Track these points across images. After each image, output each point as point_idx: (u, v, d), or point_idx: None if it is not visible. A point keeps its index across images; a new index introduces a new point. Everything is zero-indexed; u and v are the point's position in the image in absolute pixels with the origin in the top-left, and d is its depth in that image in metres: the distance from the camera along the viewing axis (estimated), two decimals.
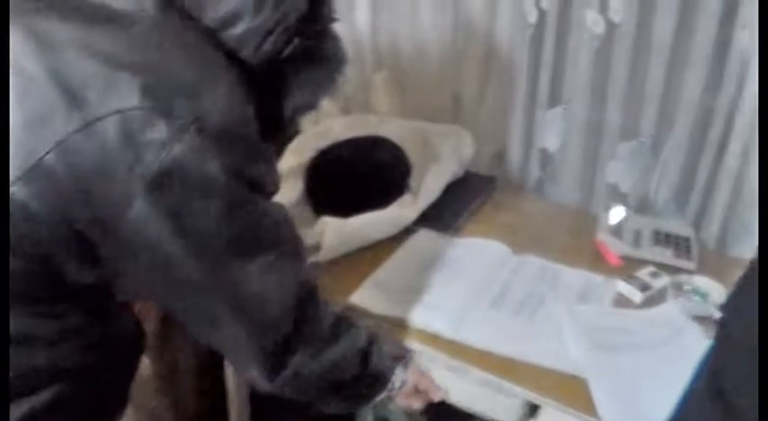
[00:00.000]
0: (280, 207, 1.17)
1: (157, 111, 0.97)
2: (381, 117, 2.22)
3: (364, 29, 2.24)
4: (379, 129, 2.06)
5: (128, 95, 0.97)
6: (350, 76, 2.24)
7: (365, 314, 1.61)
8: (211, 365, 2.00)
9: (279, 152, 1.38)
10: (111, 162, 0.96)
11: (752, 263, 0.97)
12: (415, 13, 2.13)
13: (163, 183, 0.98)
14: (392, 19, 2.19)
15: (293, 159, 1.98)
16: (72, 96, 0.97)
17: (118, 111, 0.96)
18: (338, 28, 2.05)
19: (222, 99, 1.03)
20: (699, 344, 1.46)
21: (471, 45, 2.08)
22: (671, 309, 1.61)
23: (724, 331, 1.03)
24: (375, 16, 2.21)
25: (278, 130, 1.24)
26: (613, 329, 1.57)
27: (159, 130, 0.97)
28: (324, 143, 1.99)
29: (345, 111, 2.35)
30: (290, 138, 2.04)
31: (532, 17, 1.92)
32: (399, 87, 2.26)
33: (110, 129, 0.96)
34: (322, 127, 2.12)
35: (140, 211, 0.99)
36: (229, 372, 1.99)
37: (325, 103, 2.25)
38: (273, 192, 1.16)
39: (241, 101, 1.08)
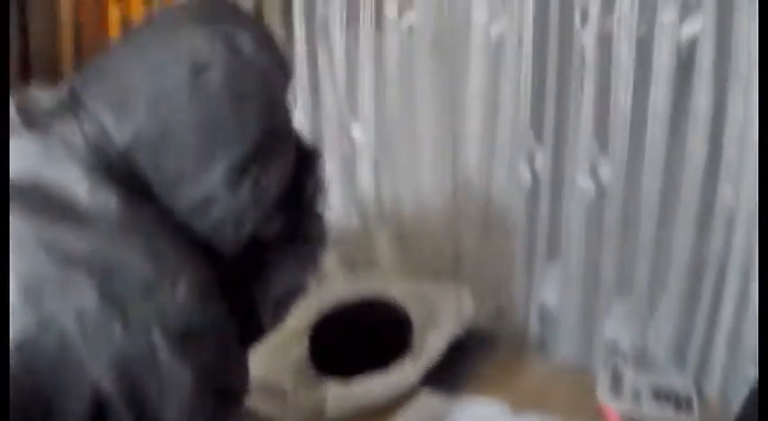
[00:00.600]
0: None
1: (113, 313, 0.95)
2: (384, 275, 2.27)
3: (368, 187, 2.31)
4: (381, 288, 2.10)
5: (83, 296, 0.95)
6: (354, 232, 2.34)
7: None
8: None
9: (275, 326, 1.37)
10: (66, 364, 0.94)
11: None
12: (415, 174, 2.21)
13: (122, 389, 0.95)
14: (394, 179, 2.27)
15: (296, 321, 2.02)
16: (29, 295, 0.95)
17: (73, 312, 0.94)
18: (341, 186, 2.14)
19: (185, 296, 0.99)
20: None
21: (470, 205, 2.14)
22: None
23: None
24: (378, 176, 2.29)
25: (261, 319, 1.21)
26: None
27: (116, 333, 0.94)
28: (327, 304, 2.03)
29: (349, 267, 2.40)
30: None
31: (527, 178, 1.99)
32: (402, 244, 2.31)
33: (66, 328, 0.94)
34: (325, 287, 2.17)
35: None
36: None
37: (331, 260, 2.33)
38: (243, 393, 1.13)
39: (209, 295, 1.04)
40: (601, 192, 1.89)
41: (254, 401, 1.80)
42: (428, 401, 1.86)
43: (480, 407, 1.83)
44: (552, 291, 2.06)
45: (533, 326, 2.12)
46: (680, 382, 1.86)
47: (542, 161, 1.97)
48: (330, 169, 2.31)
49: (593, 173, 1.89)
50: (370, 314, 1.99)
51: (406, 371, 1.87)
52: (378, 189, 2.32)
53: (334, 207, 2.34)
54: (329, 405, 1.76)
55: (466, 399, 1.87)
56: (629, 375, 1.87)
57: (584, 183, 1.90)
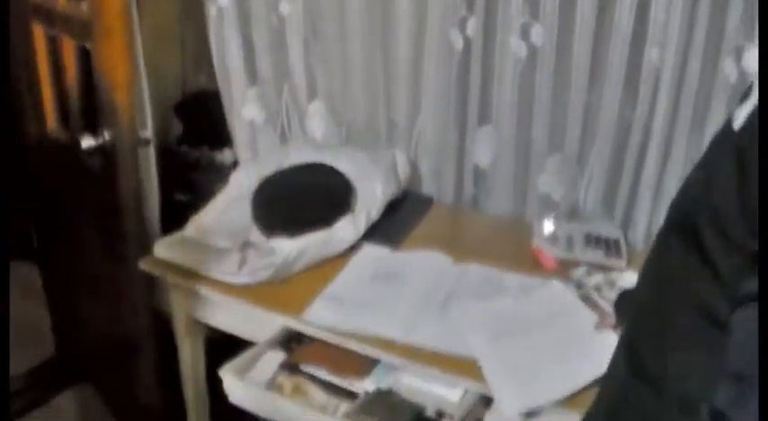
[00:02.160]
0: None
1: None
2: (319, 145, 2.31)
3: (298, 61, 2.34)
4: (318, 156, 2.14)
5: None
6: (285, 105, 2.37)
7: (321, 328, 1.69)
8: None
9: None
10: None
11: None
12: (345, 46, 2.23)
13: None
14: (324, 52, 2.30)
15: (237, 189, 2.07)
16: None
17: None
18: (271, 61, 2.15)
19: None
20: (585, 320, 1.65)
21: (401, 73, 2.19)
22: (557, 291, 1.76)
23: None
24: (307, 50, 2.31)
25: None
26: (505, 318, 1.71)
27: None
28: (267, 172, 2.07)
29: (282, 139, 2.44)
30: None
31: (459, 44, 2.05)
32: (335, 116, 2.35)
33: None
34: (263, 157, 2.20)
35: None
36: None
37: (264, 134, 2.36)
38: None
39: None
40: (532, 54, 1.96)
41: (206, 266, 1.86)
42: (372, 253, 1.94)
43: (423, 257, 1.92)
44: (485, 153, 2.14)
45: (467, 186, 2.20)
46: (609, 229, 1.98)
47: (474, 27, 2.02)
48: (259, 44, 2.35)
49: (525, 35, 1.95)
50: (309, 178, 2.04)
51: (348, 228, 1.93)
52: (308, 63, 2.33)
53: (265, 81, 2.38)
54: (277, 261, 1.81)
55: (408, 251, 1.95)
56: (563, 225, 1.98)
57: (515, 45, 1.96)
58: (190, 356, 2.01)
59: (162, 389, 2.19)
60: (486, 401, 1.63)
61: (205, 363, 2.03)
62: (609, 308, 1.63)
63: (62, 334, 2.58)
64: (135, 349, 2.11)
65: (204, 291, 1.83)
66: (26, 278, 2.53)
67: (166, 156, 2.38)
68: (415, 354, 1.63)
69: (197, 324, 1.96)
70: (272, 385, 1.70)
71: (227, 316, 1.89)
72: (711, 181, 1.01)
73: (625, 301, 1.49)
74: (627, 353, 1.14)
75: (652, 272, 1.14)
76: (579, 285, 1.77)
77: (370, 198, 2.00)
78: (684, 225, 1.04)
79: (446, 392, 1.65)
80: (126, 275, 1.98)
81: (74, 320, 2.47)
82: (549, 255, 1.89)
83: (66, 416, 2.49)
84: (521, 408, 1.51)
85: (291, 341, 1.79)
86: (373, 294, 1.79)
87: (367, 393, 1.68)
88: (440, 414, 1.67)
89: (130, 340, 2.15)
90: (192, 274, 1.85)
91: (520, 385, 1.54)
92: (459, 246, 1.97)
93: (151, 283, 1.96)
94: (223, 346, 1.86)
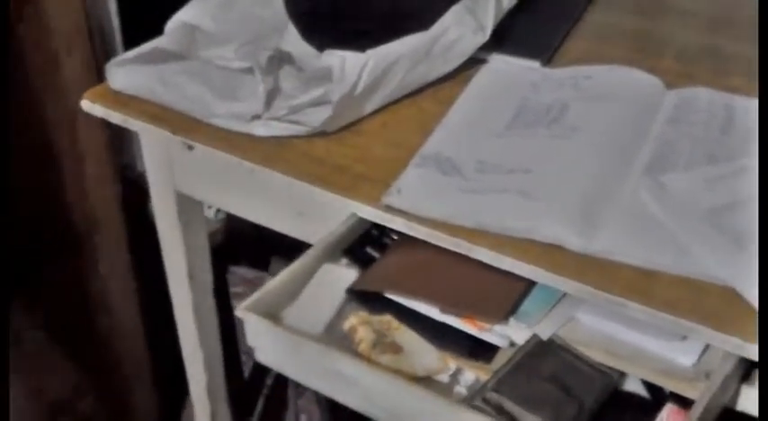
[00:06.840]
0: None
1: None
2: None
3: None
4: None
5: None
6: None
7: (421, 220, 0.87)
8: None
9: None
10: None
11: None
12: None
13: None
14: None
15: None
16: None
17: None
18: None
19: None
20: None
21: None
22: None
23: None
24: None
25: None
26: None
27: None
28: None
29: None
30: None
31: None
32: None
33: None
34: None
35: None
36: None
37: None
38: None
39: None
40: None
41: (201, 103, 1.04)
42: (512, 69, 1.10)
43: (605, 77, 1.06)
44: None
45: None
46: None
47: None
48: None
49: None
50: None
51: (465, 23, 1.06)
52: None
53: None
54: (340, 90, 0.97)
55: (571, 68, 1.09)
56: None
57: None
58: (184, 264, 1.22)
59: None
60: (748, 368, 0.84)
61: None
62: None
63: None
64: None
65: (202, 150, 1.00)
66: None
67: None
68: (607, 275, 0.80)
69: (193, 208, 1.18)
70: (335, 332, 0.92)
71: (246, 198, 1.11)
72: None
73: None
74: None
75: None
76: None
77: None
78: None
79: (668, 350, 0.86)
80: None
81: None
82: None
83: None
84: None
85: (367, 246, 0.99)
86: (518, 150, 0.95)
87: (513, 347, 0.90)
88: (654, 390, 0.88)
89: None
90: (176, 119, 1.02)
91: None
92: (662, 50, 1.11)
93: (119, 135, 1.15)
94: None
